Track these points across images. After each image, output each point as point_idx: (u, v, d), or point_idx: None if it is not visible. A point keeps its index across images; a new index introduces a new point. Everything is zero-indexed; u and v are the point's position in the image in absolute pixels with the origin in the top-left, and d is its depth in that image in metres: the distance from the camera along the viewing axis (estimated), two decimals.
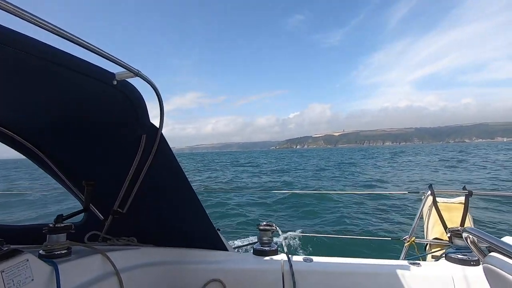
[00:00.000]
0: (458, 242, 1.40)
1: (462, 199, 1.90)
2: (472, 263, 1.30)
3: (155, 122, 1.05)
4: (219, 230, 1.54)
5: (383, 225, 6.04)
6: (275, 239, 1.58)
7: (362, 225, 6.17)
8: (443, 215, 1.87)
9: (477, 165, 21.07)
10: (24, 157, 1.30)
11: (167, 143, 1.13)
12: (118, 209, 1.31)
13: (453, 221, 1.83)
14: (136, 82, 0.86)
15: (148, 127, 1.04)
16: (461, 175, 15.28)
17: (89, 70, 0.74)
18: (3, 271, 0.73)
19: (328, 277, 1.32)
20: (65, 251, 1.01)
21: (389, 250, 4.02)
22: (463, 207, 1.85)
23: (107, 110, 0.98)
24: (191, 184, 1.24)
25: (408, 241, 1.91)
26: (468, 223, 1.82)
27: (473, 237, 0.90)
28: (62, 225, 1.05)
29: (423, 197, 2.05)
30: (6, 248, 0.81)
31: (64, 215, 1.10)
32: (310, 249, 4.91)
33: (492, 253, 0.85)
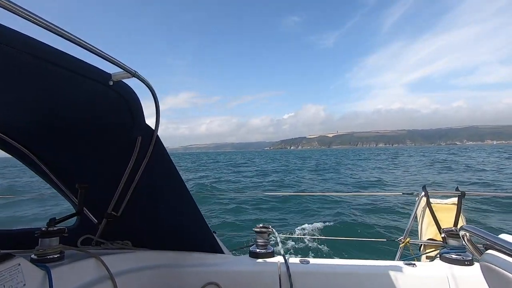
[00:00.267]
0: (452, 242, 1.42)
1: (455, 200, 1.93)
2: (466, 262, 1.32)
3: (150, 123, 1.04)
4: (215, 232, 1.53)
5: (378, 227, 6.08)
6: (271, 241, 1.58)
7: (357, 226, 6.21)
8: (437, 216, 1.89)
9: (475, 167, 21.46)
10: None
11: (162, 145, 1.11)
12: (112, 212, 1.29)
13: (447, 222, 1.86)
14: (130, 82, 0.84)
15: (143, 129, 1.03)
16: (458, 176, 15.54)
17: (85, 70, 0.72)
18: None
19: (324, 279, 1.33)
20: (58, 255, 0.99)
21: (385, 251, 4.05)
22: (456, 207, 1.88)
23: (102, 111, 0.96)
24: (187, 185, 1.23)
25: (403, 242, 1.92)
26: (461, 224, 1.85)
27: (470, 235, 0.90)
28: (55, 228, 1.02)
29: (417, 198, 2.08)
30: None
31: (56, 219, 1.08)
32: (307, 250, 4.92)
33: (490, 251, 0.85)
